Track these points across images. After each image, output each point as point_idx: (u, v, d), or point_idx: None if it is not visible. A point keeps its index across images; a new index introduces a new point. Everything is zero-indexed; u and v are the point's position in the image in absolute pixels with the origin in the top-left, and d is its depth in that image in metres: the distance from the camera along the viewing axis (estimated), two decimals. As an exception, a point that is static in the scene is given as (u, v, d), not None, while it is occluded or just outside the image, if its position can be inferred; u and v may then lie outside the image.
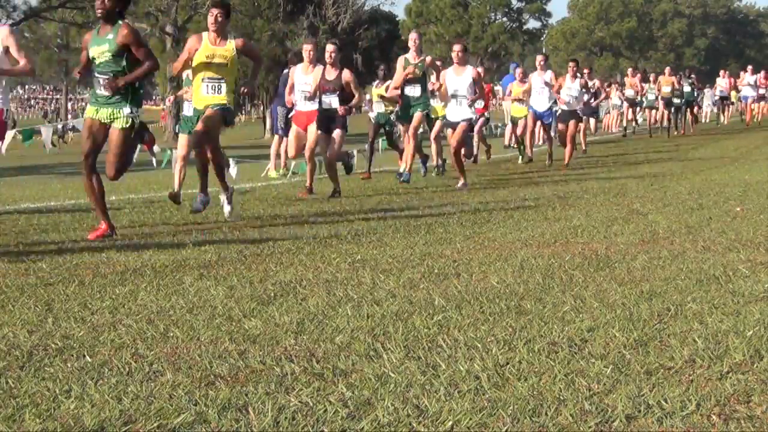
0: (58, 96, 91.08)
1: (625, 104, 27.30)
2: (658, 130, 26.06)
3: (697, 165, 15.08)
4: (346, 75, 10.67)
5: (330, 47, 10.75)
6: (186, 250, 6.60)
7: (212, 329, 4.11)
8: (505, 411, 2.94)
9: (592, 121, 20.84)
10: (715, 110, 35.76)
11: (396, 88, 12.43)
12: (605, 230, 7.22)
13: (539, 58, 16.44)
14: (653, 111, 26.20)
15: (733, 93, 33.80)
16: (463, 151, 11.97)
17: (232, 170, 14.16)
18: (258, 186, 12.16)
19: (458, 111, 11.60)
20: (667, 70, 27.20)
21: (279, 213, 9.13)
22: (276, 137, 14.64)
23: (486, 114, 17.81)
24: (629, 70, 28.33)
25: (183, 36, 43.27)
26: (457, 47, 11.74)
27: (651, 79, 27.11)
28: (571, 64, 15.89)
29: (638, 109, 28.02)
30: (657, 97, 25.55)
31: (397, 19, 62.95)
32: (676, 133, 26.34)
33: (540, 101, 15.98)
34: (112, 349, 3.79)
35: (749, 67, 30.81)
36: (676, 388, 3.14)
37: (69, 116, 63.23)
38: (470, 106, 11.75)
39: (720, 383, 3.20)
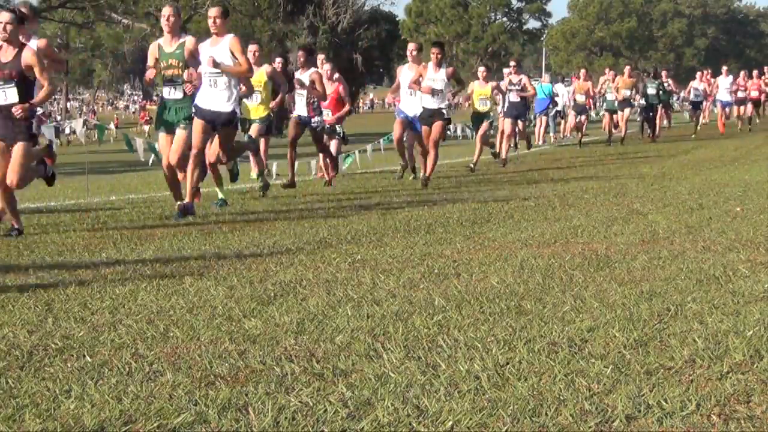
0: (57, 96, 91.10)
1: (572, 113, 22.46)
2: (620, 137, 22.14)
3: (697, 165, 15.08)
4: (27, 56, 7.37)
5: (3, 16, 7.42)
6: (186, 250, 6.60)
7: (212, 329, 4.12)
8: (505, 411, 2.95)
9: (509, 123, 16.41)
10: (686, 117, 31.15)
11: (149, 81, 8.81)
12: (605, 230, 7.22)
13: (434, 50, 12.11)
14: (613, 114, 22.17)
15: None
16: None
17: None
18: (258, 186, 12.14)
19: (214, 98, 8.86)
20: (627, 69, 22.59)
21: (279, 213, 9.13)
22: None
23: (339, 129, 13.31)
24: (582, 72, 23.12)
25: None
26: (213, 12, 8.95)
27: (610, 77, 23.25)
28: (434, 50, 12.03)
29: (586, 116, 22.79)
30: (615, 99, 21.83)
31: (397, 19, 63.01)
32: (644, 137, 23.22)
33: (412, 104, 12.39)
34: (112, 349, 3.79)
35: (724, 69, 26.87)
36: (676, 388, 3.14)
37: (60, 116, 63.20)
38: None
39: (720, 383, 3.20)
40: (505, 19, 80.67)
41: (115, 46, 62.81)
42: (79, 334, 4.06)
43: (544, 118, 22.67)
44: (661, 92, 22.82)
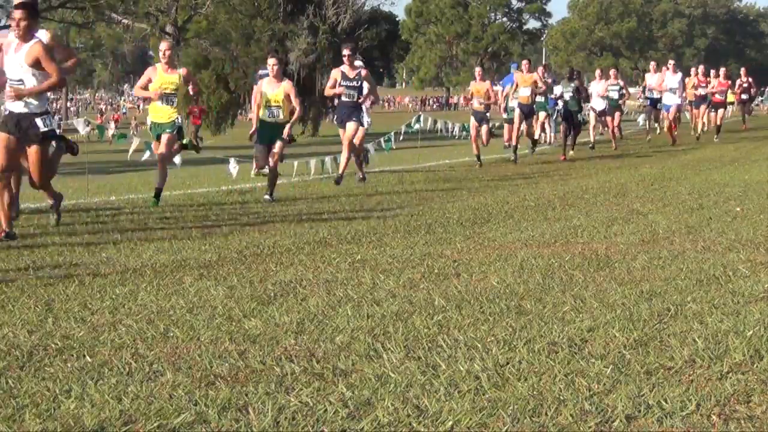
0: (56, 95, 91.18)
1: (472, 120, 16.31)
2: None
3: (697, 165, 15.08)
4: None
5: None
6: (186, 250, 6.60)
7: (212, 329, 4.12)
8: (505, 411, 2.95)
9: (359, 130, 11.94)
10: (641, 120, 27.03)
11: None
12: (605, 230, 7.22)
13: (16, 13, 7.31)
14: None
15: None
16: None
17: (233, 170, 14.13)
18: (258, 186, 12.15)
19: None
20: (525, 64, 17.01)
21: (279, 213, 9.13)
22: None
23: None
24: (477, 70, 17.44)
25: (183, 36, 43.35)
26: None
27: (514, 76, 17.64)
28: (16, 12, 7.10)
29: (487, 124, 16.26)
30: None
31: (397, 19, 63.03)
32: (566, 151, 17.37)
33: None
34: (112, 349, 3.79)
35: (671, 63, 21.61)
36: (676, 388, 3.14)
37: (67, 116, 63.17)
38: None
39: (720, 383, 3.20)
40: (505, 19, 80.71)
41: (115, 46, 62.84)
42: (79, 334, 4.06)
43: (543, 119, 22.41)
44: (577, 98, 17.82)
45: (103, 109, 68.43)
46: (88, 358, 3.66)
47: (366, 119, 12.77)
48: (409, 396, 3.12)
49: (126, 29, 44.67)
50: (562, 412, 2.93)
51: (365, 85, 11.84)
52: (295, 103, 10.49)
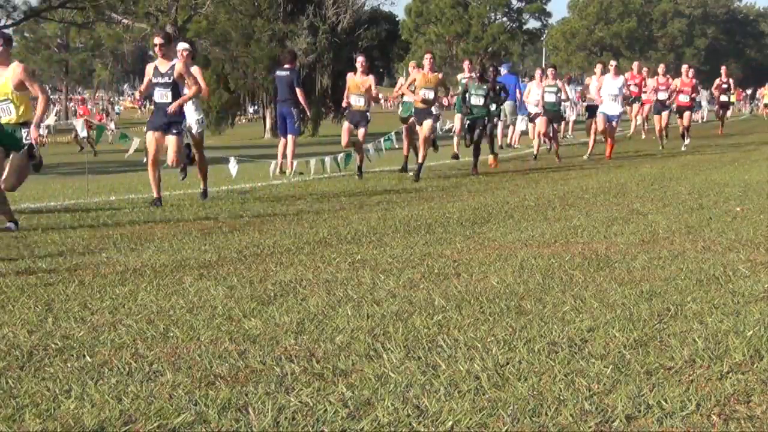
0: (53, 96, 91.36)
1: (346, 123, 13.78)
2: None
3: (697, 165, 15.08)
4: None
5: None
6: (186, 250, 6.60)
7: (212, 329, 4.12)
8: (505, 411, 2.95)
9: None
10: (568, 128, 24.13)
11: None
12: (605, 230, 7.22)
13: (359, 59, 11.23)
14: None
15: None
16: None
17: (232, 169, 14.12)
18: (258, 186, 12.15)
19: None
20: (427, 58, 13.62)
21: (279, 213, 9.13)
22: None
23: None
24: (359, 61, 14.19)
25: (183, 36, 43.29)
26: None
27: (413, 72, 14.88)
28: None
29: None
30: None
31: (397, 19, 62.99)
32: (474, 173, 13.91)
33: None
34: (112, 349, 3.79)
35: (612, 64, 17.54)
36: (676, 388, 3.14)
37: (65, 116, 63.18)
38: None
39: (720, 383, 3.20)
40: (505, 19, 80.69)
41: (115, 46, 62.85)
42: (79, 334, 4.06)
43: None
44: (490, 102, 14.41)
45: (108, 109, 68.30)
46: (88, 358, 3.66)
47: (195, 118, 10.71)
48: (409, 396, 3.12)
49: (126, 29, 44.66)
50: (562, 412, 2.93)
51: (193, 78, 9.67)
52: (34, 90, 8.28)
